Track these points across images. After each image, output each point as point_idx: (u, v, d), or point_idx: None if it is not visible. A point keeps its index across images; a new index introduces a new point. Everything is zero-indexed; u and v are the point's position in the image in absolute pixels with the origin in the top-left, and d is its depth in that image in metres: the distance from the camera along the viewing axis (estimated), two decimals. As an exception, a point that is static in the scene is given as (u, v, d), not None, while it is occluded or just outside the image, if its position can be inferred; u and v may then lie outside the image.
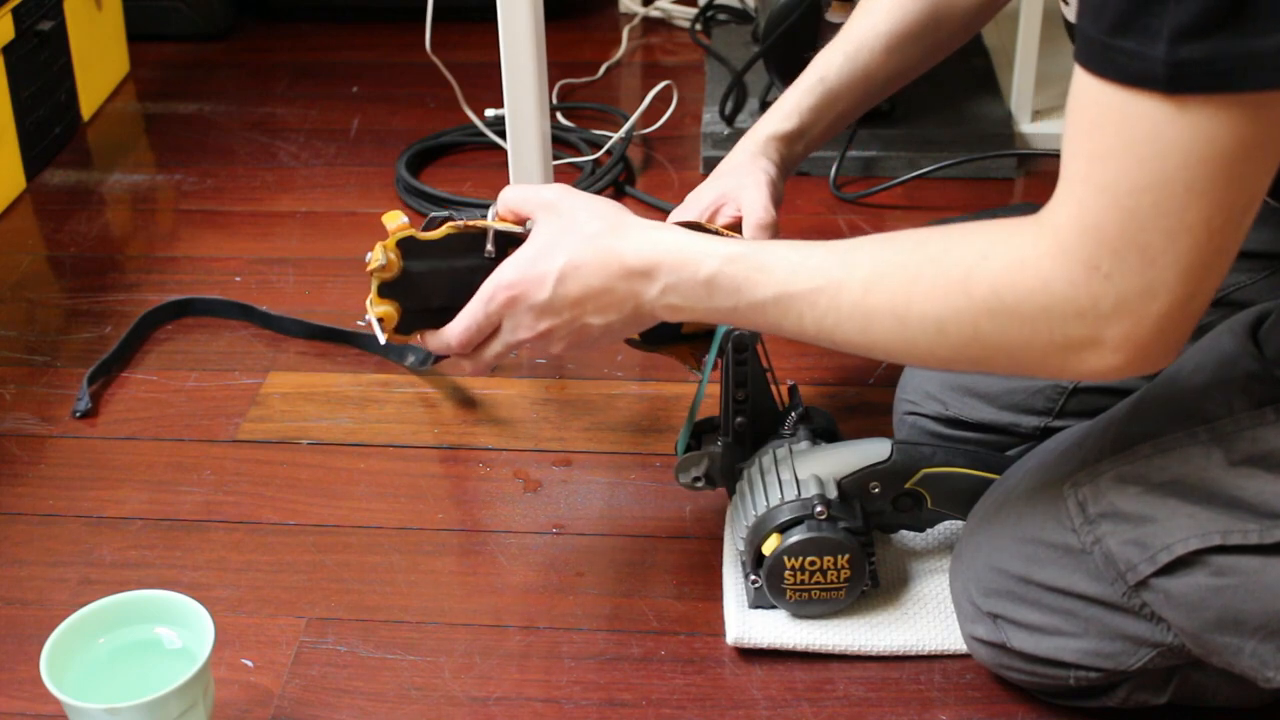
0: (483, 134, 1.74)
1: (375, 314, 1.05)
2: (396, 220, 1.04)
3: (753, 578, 1.08)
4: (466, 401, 1.36)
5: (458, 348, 1.03)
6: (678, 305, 0.95)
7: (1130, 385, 1.03)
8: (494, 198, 1.46)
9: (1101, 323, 0.79)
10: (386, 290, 1.05)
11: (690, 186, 1.20)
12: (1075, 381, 1.13)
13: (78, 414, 1.34)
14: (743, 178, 1.14)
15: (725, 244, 0.94)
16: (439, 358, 1.38)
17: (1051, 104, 1.79)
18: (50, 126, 1.81)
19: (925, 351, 0.87)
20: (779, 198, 1.14)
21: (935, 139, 1.74)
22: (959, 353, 0.85)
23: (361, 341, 1.44)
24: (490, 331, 1.01)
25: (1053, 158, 1.50)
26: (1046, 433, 1.13)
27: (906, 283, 0.86)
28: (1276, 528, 0.88)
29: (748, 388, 1.11)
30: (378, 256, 1.03)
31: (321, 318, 1.47)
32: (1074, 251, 0.78)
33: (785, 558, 1.05)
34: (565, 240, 0.97)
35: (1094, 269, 0.77)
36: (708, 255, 0.93)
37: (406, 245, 1.04)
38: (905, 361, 0.93)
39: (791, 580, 1.06)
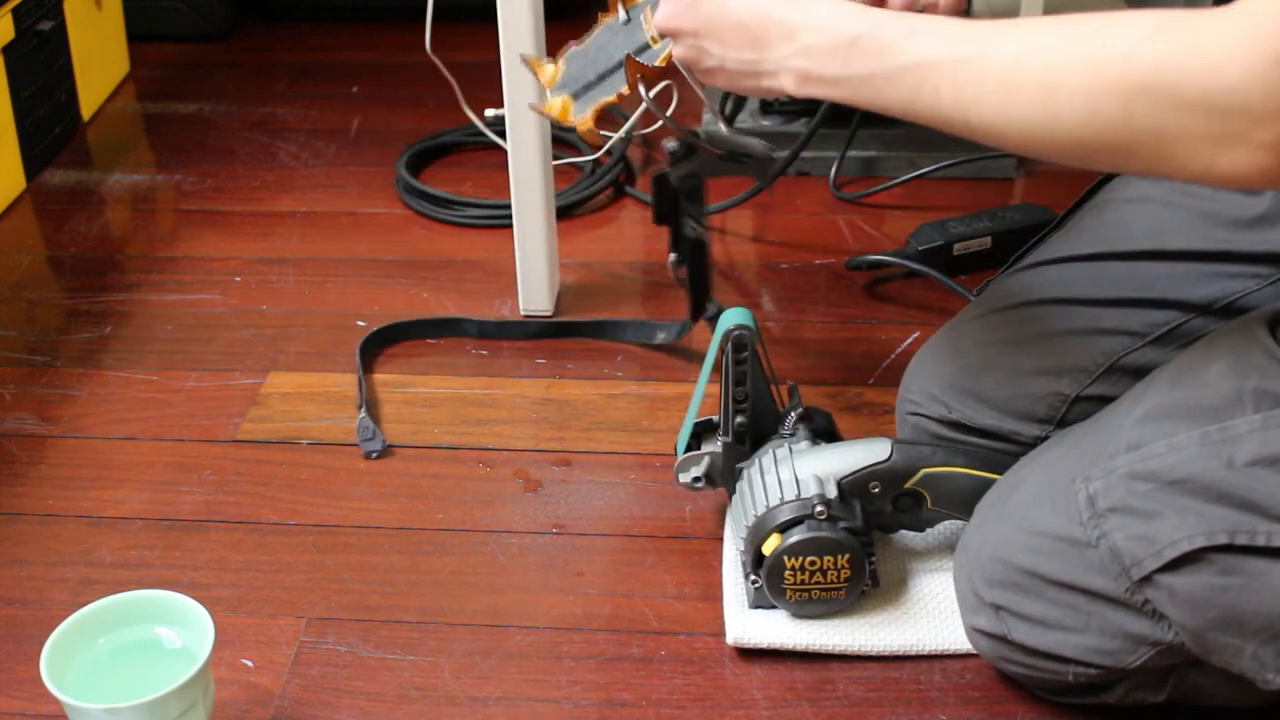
0: (483, 134, 1.74)
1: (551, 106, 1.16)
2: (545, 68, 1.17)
3: (753, 578, 1.08)
4: (466, 401, 1.36)
5: None
6: (807, 70, 0.93)
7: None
8: (494, 197, 1.46)
9: (1268, 121, 0.74)
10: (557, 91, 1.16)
11: (690, 186, 1.19)
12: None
13: (373, 454, 1.29)
14: None
15: (877, 12, 0.92)
16: (688, 329, 1.40)
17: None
18: (50, 126, 1.81)
19: (1066, 133, 0.82)
20: None
21: (935, 139, 1.73)
22: (1102, 136, 0.81)
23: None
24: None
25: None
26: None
27: (1062, 54, 0.81)
28: None
29: (747, 387, 1.11)
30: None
31: (321, 318, 1.48)
32: (1262, 42, 0.72)
33: (785, 558, 1.05)
34: None
35: (1276, 64, 0.73)
36: (857, 17, 0.91)
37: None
38: (1041, 148, 0.86)
39: (791, 580, 1.06)
